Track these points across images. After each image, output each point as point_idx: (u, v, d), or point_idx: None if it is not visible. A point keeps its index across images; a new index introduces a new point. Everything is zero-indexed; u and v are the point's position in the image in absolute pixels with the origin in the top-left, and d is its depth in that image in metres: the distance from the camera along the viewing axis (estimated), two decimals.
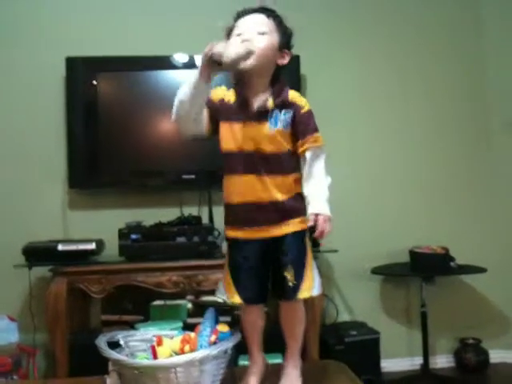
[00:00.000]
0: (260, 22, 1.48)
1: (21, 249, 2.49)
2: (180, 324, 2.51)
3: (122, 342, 1.59)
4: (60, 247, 2.48)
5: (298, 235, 1.51)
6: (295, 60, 2.73)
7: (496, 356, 3.03)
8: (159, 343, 1.49)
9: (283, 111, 1.49)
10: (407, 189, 3.09)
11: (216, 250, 2.56)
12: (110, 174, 2.80)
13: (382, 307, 3.07)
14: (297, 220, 1.51)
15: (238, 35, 1.45)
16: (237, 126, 1.50)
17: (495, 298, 3.10)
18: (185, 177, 2.77)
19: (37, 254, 2.48)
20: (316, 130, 1.52)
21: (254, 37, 1.44)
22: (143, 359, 1.50)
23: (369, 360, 2.67)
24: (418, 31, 3.13)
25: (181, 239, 2.56)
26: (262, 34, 1.46)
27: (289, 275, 1.48)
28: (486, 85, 3.16)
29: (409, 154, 3.10)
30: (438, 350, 3.06)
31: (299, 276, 1.49)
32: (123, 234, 2.53)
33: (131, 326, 2.54)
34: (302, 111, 1.50)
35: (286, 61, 1.52)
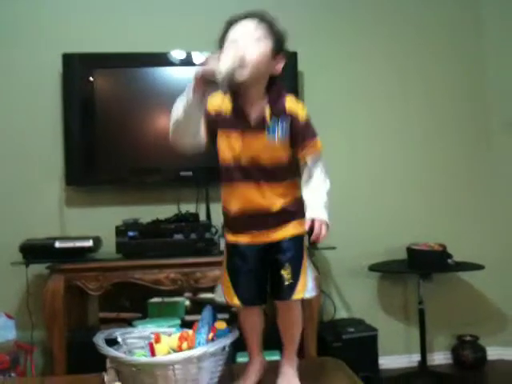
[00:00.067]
0: (253, 28, 1.43)
1: (18, 246, 2.48)
2: (178, 321, 2.51)
3: (119, 340, 1.59)
4: (57, 244, 2.48)
5: (297, 238, 1.52)
6: (293, 56, 2.72)
7: (493, 353, 3.04)
8: (157, 340, 1.49)
9: (280, 120, 1.48)
10: (406, 188, 3.09)
11: (213, 247, 2.56)
12: (107, 171, 2.79)
13: (379, 304, 3.07)
14: (295, 223, 1.52)
15: (232, 43, 1.40)
16: (234, 136, 1.49)
17: (493, 295, 3.11)
18: (182, 174, 2.76)
19: (34, 251, 2.48)
20: (314, 135, 1.51)
21: (247, 45, 1.39)
22: (141, 356, 1.49)
23: (366, 357, 2.68)
24: (418, 31, 3.13)
25: (178, 236, 2.55)
26: (256, 40, 1.41)
27: (285, 273, 1.49)
28: (486, 85, 3.15)
29: (409, 153, 3.09)
30: (436, 347, 3.06)
31: (296, 275, 1.50)
32: (120, 231, 2.53)
33: (129, 323, 2.54)
34: (300, 119, 1.48)
35: (280, 66, 1.49)
